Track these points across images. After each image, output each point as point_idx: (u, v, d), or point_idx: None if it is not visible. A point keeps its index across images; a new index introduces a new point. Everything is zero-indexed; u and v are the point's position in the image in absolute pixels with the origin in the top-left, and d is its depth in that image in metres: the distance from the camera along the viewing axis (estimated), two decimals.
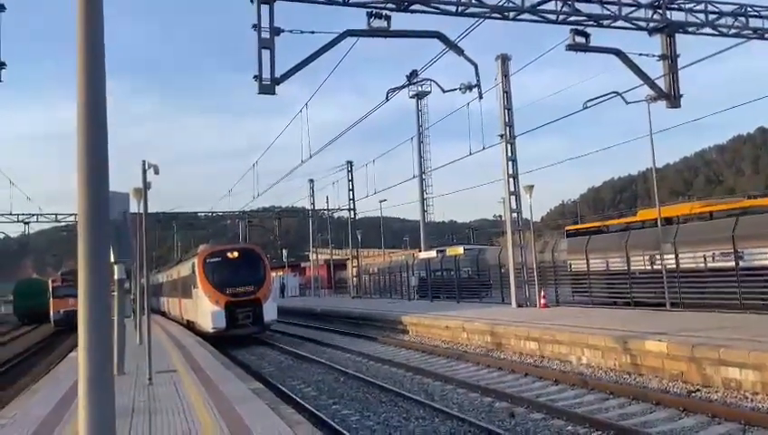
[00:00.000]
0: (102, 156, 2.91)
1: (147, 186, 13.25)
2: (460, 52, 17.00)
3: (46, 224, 44.78)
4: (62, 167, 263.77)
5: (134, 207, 13.15)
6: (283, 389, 13.21)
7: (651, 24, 18.48)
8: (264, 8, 15.22)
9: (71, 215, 42.69)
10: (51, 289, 40.49)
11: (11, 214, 40.64)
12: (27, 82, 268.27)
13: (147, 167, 12.93)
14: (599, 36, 18.41)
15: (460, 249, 36.46)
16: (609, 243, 22.40)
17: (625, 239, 21.15)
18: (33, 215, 42.55)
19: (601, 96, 19.89)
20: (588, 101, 19.98)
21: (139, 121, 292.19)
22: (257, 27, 15.18)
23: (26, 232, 45.37)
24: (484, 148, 23.43)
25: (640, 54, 19.16)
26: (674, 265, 18.86)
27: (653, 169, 24.40)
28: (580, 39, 17.80)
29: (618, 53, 18.94)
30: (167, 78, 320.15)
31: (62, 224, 44.70)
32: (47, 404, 10.13)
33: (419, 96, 47.55)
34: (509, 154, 23.48)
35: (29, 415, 9.32)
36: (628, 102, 19.58)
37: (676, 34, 19.13)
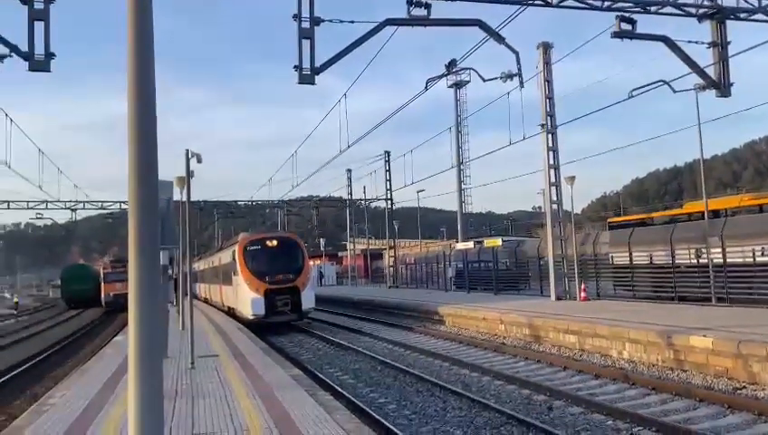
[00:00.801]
0: (152, 145, 2.97)
1: (190, 174, 13.49)
2: (501, 40, 16.76)
3: (92, 211, 46.05)
4: (108, 155, 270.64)
5: (176, 195, 13.42)
6: (321, 376, 13.35)
7: (701, 11, 17.89)
8: None
9: (115, 202, 43.89)
10: (102, 275, 45.23)
11: (59, 201, 41.90)
12: (73, 72, 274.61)
13: (190, 155, 13.16)
14: (645, 23, 17.93)
15: (498, 241, 36.14)
16: (653, 236, 21.89)
17: (670, 232, 20.64)
18: (80, 202, 43.79)
19: (648, 85, 19.38)
20: (634, 89, 19.51)
21: (181, 110, 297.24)
22: (298, 17, 15.26)
23: (73, 219, 46.79)
24: (524, 138, 23.15)
25: (689, 42, 18.56)
26: (721, 260, 18.34)
27: (701, 160, 23.64)
28: (626, 26, 17.31)
29: (665, 40, 18.38)
30: (208, 68, 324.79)
31: (107, 211, 45.89)
32: (95, 385, 10.47)
33: (458, 86, 47.20)
34: (550, 144, 23.11)
35: (77, 395, 9.64)
36: (675, 91, 19.04)
37: (727, 21, 18.48)
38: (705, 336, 11.79)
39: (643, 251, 21.84)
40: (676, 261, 20.34)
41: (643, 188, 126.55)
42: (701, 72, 18.71)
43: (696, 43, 18.60)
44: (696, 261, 19.88)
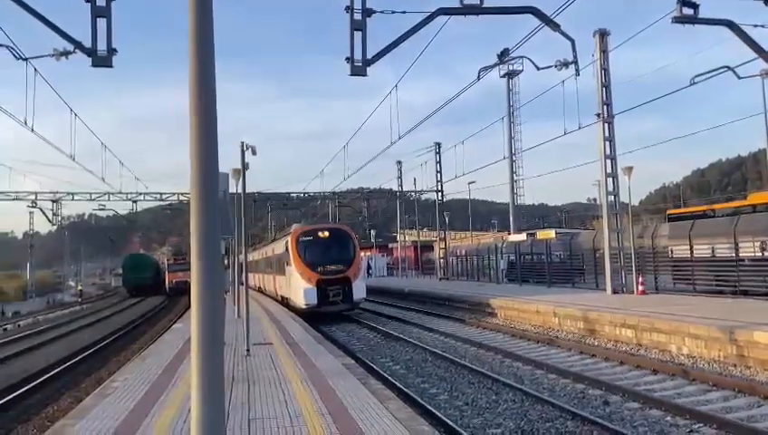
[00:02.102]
0: (213, 139, 3.05)
1: (245, 166, 13.76)
2: (556, 27, 16.37)
3: (152, 202, 47.38)
4: (166, 148, 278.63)
5: (232, 186, 13.72)
6: (373, 365, 13.46)
7: None
8: None
9: (174, 194, 45.13)
10: (166, 266, 54.85)
11: (120, 192, 43.32)
12: (132, 66, 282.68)
13: (245, 148, 13.42)
14: (707, 6, 17.15)
15: (552, 233, 35.59)
16: (715, 228, 21.08)
17: (734, 224, 19.85)
18: (140, 194, 45.14)
19: (711, 71, 18.65)
20: (696, 76, 18.80)
21: (234, 103, 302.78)
22: (350, 9, 15.29)
23: (134, 210, 48.27)
24: (579, 127, 22.63)
25: (755, 26, 17.69)
26: None
27: (767, 149, 22.65)
28: (687, 10, 16.63)
29: (730, 24, 17.59)
30: (259, 60, 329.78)
31: (166, 203, 47.21)
32: (155, 369, 10.86)
33: (511, 75, 46.46)
34: (606, 134, 22.52)
35: (139, 379, 10.03)
36: (740, 77, 18.25)
37: None
38: None
39: (704, 244, 21.08)
40: (740, 254, 19.55)
41: (704, 179, 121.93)
42: None
43: (763, 27, 17.72)
44: (761, 254, 19.07)
